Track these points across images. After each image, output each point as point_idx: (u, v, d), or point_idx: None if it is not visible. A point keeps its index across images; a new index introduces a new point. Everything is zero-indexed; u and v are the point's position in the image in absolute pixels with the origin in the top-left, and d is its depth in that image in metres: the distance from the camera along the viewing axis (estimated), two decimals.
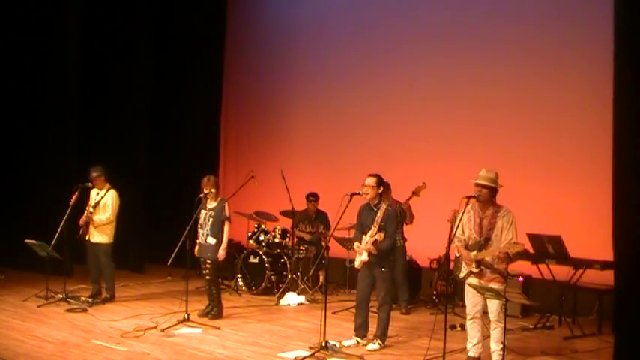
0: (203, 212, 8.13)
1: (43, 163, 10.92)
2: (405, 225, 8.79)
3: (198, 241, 8.19)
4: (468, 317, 6.44)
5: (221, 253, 8.02)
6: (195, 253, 8.22)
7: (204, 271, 8.25)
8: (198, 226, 8.14)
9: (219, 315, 8.19)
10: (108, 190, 8.85)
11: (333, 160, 11.38)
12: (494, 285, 6.13)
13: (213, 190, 8.06)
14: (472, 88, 9.98)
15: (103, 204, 8.76)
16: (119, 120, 11.68)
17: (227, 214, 8.09)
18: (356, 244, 7.15)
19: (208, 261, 8.09)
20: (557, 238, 7.86)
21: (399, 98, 10.73)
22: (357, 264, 7.14)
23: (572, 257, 7.86)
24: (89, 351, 6.67)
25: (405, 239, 8.81)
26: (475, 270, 6.22)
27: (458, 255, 6.59)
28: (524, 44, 9.49)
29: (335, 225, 7.19)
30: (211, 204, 8.12)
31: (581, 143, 9.01)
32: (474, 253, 6.23)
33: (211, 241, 8.04)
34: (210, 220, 8.05)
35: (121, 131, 11.61)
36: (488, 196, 6.23)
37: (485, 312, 6.34)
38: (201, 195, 8.08)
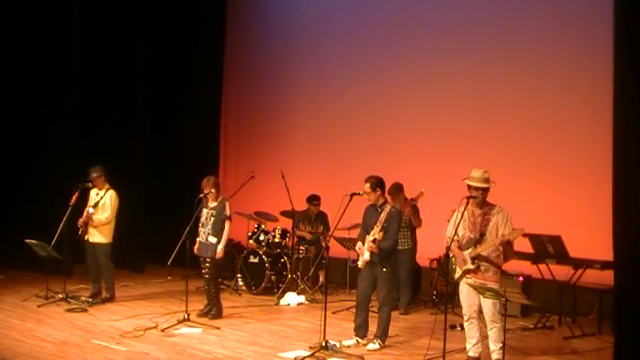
0: (205, 211, 8.20)
1: (43, 163, 10.91)
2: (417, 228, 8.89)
3: (198, 239, 8.23)
4: (465, 318, 6.45)
5: (219, 250, 8.07)
6: (195, 251, 8.24)
7: (203, 270, 8.28)
8: (200, 224, 8.20)
9: (219, 315, 8.19)
10: (107, 190, 8.85)
11: (333, 160, 11.37)
12: (489, 284, 6.13)
13: (213, 190, 8.11)
14: (472, 88, 9.98)
15: (102, 204, 8.76)
16: (119, 120, 11.68)
17: (228, 213, 8.16)
18: (358, 244, 7.16)
19: (208, 260, 8.12)
20: (557, 238, 7.85)
21: (399, 98, 10.73)
22: (359, 264, 7.14)
23: (572, 257, 7.86)
24: (89, 351, 6.67)
25: (416, 242, 8.90)
26: (471, 267, 6.23)
27: (452, 256, 6.59)
28: (524, 44, 9.48)
29: (335, 225, 7.19)
30: (212, 203, 8.18)
31: (581, 143, 9.01)
32: (469, 251, 6.25)
33: (212, 240, 8.09)
34: (212, 219, 8.11)
35: (121, 131, 11.61)
36: (485, 197, 6.29)
37: (481, 312, 6.35)
38: (201, 195, 8.12)
